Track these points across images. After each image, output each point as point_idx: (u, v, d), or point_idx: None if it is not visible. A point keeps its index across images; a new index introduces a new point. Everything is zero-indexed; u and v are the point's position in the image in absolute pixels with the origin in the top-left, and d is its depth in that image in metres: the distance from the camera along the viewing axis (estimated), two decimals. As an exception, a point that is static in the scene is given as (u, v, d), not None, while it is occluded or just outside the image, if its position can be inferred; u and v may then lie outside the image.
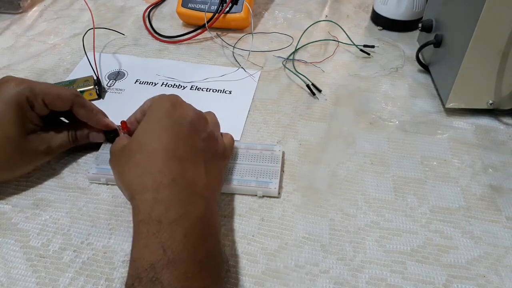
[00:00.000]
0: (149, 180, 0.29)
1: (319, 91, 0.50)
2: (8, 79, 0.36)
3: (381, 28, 0.60)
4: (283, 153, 0.42)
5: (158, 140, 0.31)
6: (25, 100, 0.36)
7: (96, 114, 0.40)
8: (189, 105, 0.35)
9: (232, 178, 0.39)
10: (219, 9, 0.57)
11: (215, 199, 0.34)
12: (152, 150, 0.31)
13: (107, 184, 0.39)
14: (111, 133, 0.41)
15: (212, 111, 0.38)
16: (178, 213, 0.28)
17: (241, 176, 0.39)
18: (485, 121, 0.46)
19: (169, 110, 0.32)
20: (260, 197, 0.38)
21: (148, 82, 0.52)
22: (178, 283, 0.26)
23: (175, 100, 0.33)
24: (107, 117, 0.41)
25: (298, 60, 0.55)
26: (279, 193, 0.38)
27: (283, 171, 0.41)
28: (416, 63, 0.52)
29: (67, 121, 0.41)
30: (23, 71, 0.53)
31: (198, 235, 0.28)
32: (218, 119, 0.38)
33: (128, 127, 0.37)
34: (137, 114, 0.37)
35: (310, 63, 0.54)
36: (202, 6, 0.57)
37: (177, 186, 0.29)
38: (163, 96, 0.34)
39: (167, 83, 0.51)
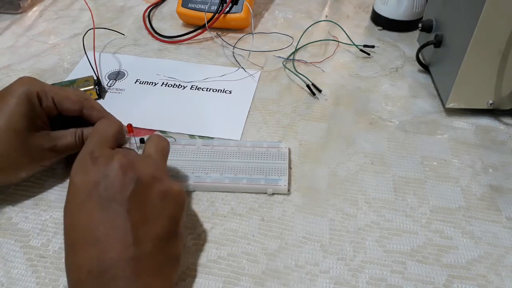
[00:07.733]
0: (70, 276, 0.28)
1: (319, 91, 0.50)
2: (21, 78, 0.37)
3: (381, 28, 0.60)
4: (289, 149, 0.42)
5: (78, 224, 0.29)
6: (35, 95, 0.36)
7: (108, 115, 0.40)
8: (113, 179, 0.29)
9: (241, 177, 0.39)
10: (219, 9, 0.57)
11: (147, 267, 0.28)
12: (74, 239, 0.29)
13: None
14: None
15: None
16: None
17: (250, 175, 0.39)
18: (485, 121, 0.46)
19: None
20: (270, 194, 0.38)
21: (148, 82, 0.52)
22: None
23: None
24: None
25: (298, 60, 0.55)
26: (288, 190, 0.38)
27: (291, 168, 0.41)
28: (416, 63, 0.52)
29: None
30: (23, 71, 0.53)
31: None
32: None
33: (133, 131, 0.38)
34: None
35: (310, 63, 0.54)
36: (202, 6, 0.57)
37: (91, 278, 0.27)
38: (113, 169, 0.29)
39: (167, 83, 0.51)
